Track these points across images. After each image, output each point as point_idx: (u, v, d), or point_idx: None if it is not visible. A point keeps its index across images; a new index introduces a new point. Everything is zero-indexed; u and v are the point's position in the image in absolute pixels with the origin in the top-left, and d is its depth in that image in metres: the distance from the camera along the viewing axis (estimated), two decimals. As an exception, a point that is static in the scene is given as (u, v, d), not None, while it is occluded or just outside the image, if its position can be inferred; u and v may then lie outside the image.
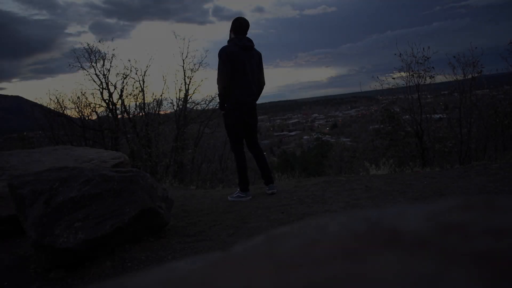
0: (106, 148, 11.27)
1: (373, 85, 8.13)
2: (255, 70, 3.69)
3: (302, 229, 0.33)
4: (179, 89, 13.25)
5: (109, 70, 12.50)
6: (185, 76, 13.25)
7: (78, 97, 12.44)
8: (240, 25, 3.64)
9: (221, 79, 3.51)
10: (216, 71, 3.58)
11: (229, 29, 3.73)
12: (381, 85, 8.02)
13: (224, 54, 3.51)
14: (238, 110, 3.62)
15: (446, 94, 8.78)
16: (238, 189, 3.76)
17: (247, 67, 3.58)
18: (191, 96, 13.47)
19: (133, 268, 2.18)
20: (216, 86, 3.63)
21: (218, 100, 3.72)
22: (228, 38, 3.71)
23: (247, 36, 3.68)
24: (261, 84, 3.80)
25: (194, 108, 13.79)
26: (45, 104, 12.43)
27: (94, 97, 12.53)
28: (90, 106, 12.54)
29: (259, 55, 3.75)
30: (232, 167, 14.56)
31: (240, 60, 3.53)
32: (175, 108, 13.28)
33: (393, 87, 8.04)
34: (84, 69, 12.42)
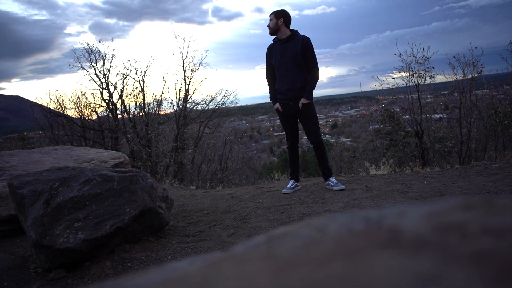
0: (106, 148, 11.28)
1: (373, 85, 8.13)
2: None
3: (302, 229, 0.33)
4: (179, 89, 13.28)
5: (109, 70, 12.53)
6: (185, 76, 13.28)
7: (78, 97, 12.47)
8: (290, 20, 3.66)
9: (318, 68, 3.65)
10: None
11: (276, 18, 3.59)
12: (381, 85, 8.02)
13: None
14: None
15: (446, 94, 8.77)
16: (332, 178, 3.80)
17: None
18: (191, 96, 13.50)
19: (133, 268, 2.18)
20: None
21: (314, 87, 3.69)
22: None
23: None
24: None
25: (194, 108, 13.81)
26: (45, 104, 12.47)
27: (94, 97, 12.56)
28: (90, 106, 12.56)
29: None
30: (231, 167, 14.56)
31: None
32: (175, 108, 13.30)
33: (393, 87, 8.04)
34: (84, 69, 12.46)
